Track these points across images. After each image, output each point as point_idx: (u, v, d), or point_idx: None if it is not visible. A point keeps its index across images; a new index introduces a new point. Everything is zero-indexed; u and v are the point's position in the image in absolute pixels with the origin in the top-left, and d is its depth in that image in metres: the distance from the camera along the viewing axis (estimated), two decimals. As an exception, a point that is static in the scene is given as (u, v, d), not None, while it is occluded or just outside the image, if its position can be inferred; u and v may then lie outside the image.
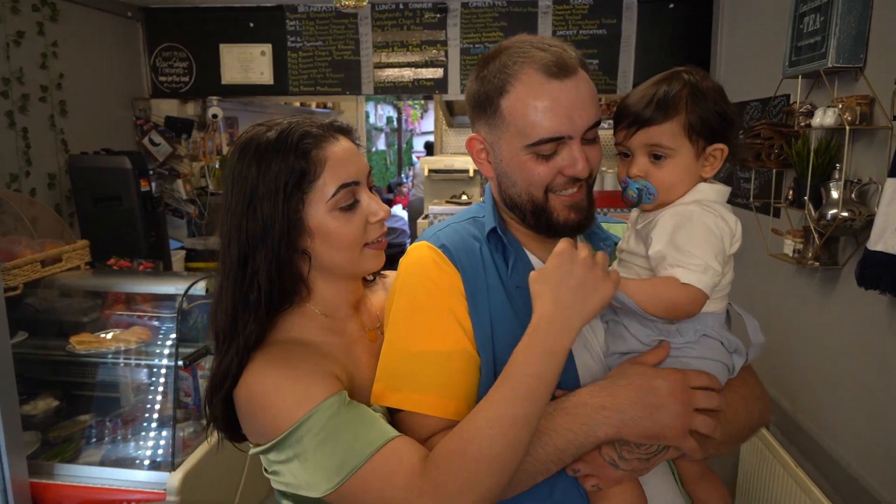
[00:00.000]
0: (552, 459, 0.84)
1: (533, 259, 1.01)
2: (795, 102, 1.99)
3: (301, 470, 0.85)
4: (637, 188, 0.94)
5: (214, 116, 4.14)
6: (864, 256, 1.55)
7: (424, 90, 3.97)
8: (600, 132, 0.98)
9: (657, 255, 0.89)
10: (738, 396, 0.96)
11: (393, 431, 0.85)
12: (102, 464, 2.14)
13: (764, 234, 2.22)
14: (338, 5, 1.92)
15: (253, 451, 0.93)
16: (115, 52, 3.88)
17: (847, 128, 1.65)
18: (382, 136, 9.17)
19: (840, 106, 1.69)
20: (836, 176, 1.74)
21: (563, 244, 0.86)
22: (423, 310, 0.92)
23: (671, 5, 3.65)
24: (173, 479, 2.03)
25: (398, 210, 6.84)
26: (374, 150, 8.68)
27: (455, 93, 3.93)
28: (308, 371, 0.90)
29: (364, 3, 1.95)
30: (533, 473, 0.85)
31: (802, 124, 1.88)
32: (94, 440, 2.32)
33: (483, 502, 0.79)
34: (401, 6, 3.85)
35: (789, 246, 1.98)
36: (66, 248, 2.39)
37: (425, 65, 3.92)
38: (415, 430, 0.87)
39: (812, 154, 1.80)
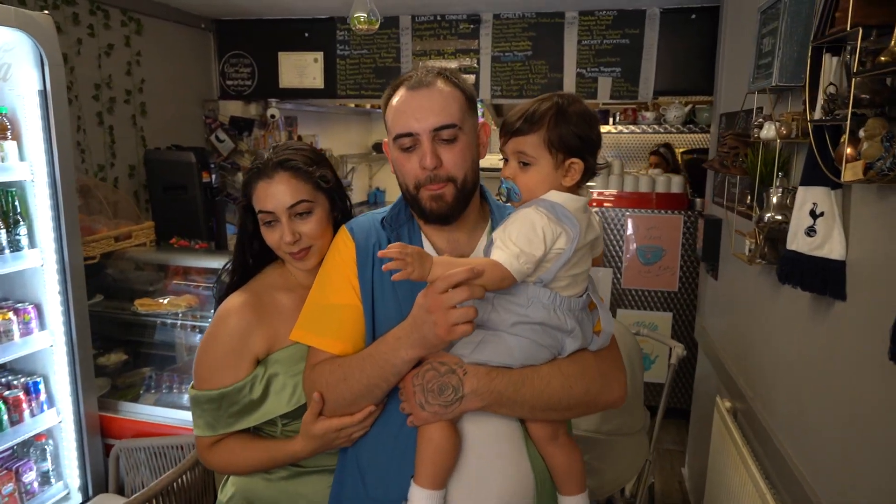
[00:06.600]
0: (372, 383, 1.12)
1: (426, 243, 1.22)
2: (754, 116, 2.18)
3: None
4: (507, 188, 1.15)
5: (272, 116, 4.62)
6: (783, 255, 1.76)
7: (458, 95, 4.29)
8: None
9: (494, 238, 1.08)
10: (558, 371, 1.11)
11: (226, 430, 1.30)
12: (156, 405, 2.61)
13: (731, 234, 2.42)
14: (353, 28, 2.28)
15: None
16: (189, 60, 4.42)
17: (779, 140, 1.85)
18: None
19: (779, 122, 1.89)
20: (777, 183, 1.94)
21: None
22: (328, 274, 1.24)
23: (693, 16, 3.81)
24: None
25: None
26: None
27: (485, 98, 4.23)
28: (230, 350, 1.29)
29: (376, 26, 2.30)
30: (362, 393, 1.14)
31: (755, 136, 2.08)
32: (152, 388, 2.80)
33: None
34: (438, 17, 4.19)
35: (746, 246, 2.18)
36: (136, 227, 2.88)
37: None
38: (312, 357, 1.21)
39: (760, 163, 2.01)
